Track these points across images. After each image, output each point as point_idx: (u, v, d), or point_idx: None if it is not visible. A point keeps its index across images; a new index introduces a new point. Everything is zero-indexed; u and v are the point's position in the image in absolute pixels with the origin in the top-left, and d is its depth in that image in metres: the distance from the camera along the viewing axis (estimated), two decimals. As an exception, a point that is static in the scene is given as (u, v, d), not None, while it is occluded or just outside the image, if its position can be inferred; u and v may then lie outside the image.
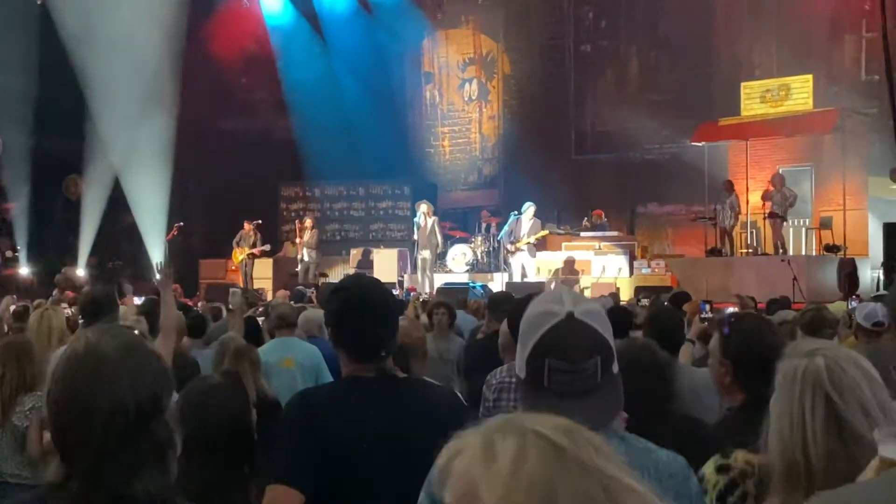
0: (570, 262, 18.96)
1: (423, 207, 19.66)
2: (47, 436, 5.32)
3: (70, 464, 2.01)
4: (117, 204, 23.43)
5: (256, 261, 21.48)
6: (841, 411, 2.10)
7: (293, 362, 6.75)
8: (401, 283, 20.38)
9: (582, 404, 2.07)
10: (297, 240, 21.89)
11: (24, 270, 21.10)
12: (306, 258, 21.13)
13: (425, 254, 19.46)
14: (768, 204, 18.94)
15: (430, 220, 19.50)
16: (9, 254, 21.50)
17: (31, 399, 5.29)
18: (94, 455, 1.98)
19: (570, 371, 2.10)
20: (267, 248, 21.44)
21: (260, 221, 21.30)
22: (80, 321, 5.83)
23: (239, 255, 21.35)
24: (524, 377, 2.17)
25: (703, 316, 5.89)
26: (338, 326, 3.05)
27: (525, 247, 18.96)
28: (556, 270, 19.12)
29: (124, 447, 1.98)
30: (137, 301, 12.62)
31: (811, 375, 2.15)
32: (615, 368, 2.18)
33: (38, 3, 21.79)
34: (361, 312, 2.99)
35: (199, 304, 16.04)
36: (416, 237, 19.84)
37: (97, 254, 23.25)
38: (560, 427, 1.25)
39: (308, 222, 21.74)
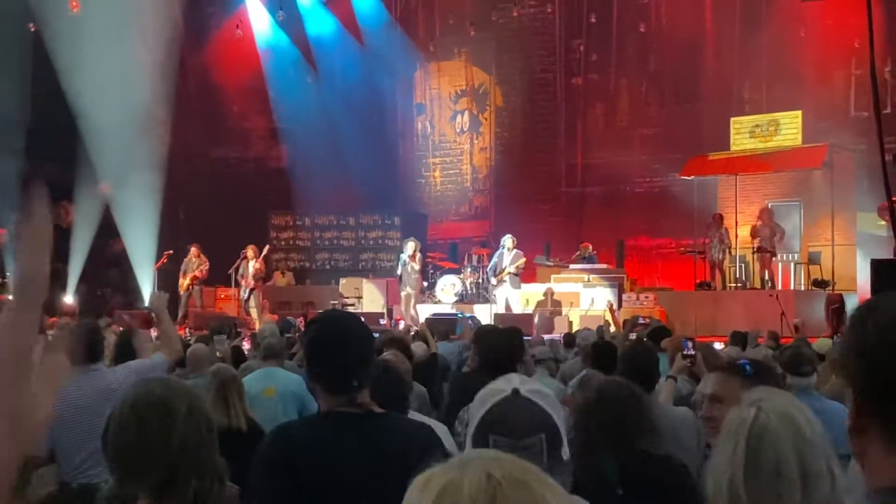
0: (550, 294, 19.05)
1: (411, 245, 19.72)
2: None
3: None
4: (107, 231, 23.41)
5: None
6: (746, 469, 2.09)
7: (274, 392, 6.76)
8: (390, 311, 20.38)
9: None
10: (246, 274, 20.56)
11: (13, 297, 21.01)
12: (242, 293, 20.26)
13: (409, 290, 19.55)
14: (757, 238, 19.04)
15: (417, 257, 19.63)
16: (-2, 280, 21.45)
17: None
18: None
19: (514, 447, 2.02)
20: (204, 273, 20.61)
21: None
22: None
23: (183, 282, 20.58)
24: None
25: (685, 353, 5.88)
26: (310, 358, 3.05)
27: (507, 278, 18.98)
28: (542, 302, 19.18)
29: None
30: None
31: (736, 427, 2.15)
32: (565, 455, 2.12)
33: (32, 29, 21.85)
34: (331, 343, 2.98)
35: (187, 332, 16.06)
36: (399, 272, 19.82)
37: (86, 281, 23.20)
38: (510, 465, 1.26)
39: (250, 252, 20.48)
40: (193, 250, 20.81)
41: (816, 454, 2.12)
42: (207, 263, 20.75)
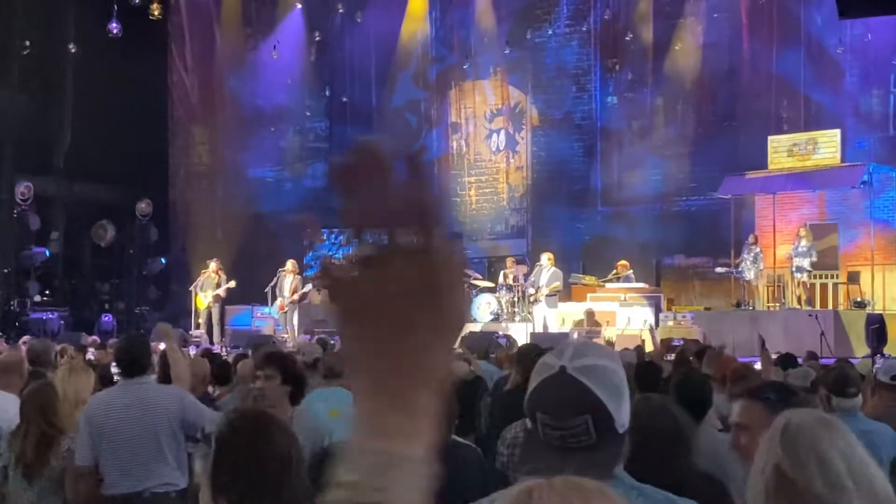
0: (590, 314, 18.97)
1: None
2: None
3: None
4: (146, 250, 23.62)
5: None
6: (787, 470, 2.10)
7: (339, 413, 6.71)
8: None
9: (575, 459, 1.99)
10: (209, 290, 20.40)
11: (52, 315, 21.23)
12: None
13: None
14: (794, 257, 18.92)
15: None
16: (37, 298, 21.67)
17: (67, 441, 5.41)
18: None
19: (558, 427, 2.02)
20: (231, 284, 20.31)
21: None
22: (116, 372, 5.86)
23: (203, 300, 20.23)
24: (529, 428, 2.11)
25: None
26: None
27: (543, 298, 18.99)
28: (580, 322, 19.11)
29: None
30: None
31: (775, 433, 2.16)
32: (619, 427, 2.08)
33: (72, 51, 22.13)
34: None
35: (224, 350, 16.13)
36: None
37: (125, 299, 23.40)
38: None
39: (290, 265, 20.48)
40: (213, 266, 20.41)
41: (860, 456, 2.12)
42: (225, 280, 20.34)
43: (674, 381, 5.23)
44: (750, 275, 19.33)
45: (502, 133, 26.09)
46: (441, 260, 0.96)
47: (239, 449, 2.49)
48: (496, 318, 20.31)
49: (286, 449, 2.52)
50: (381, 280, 0.94)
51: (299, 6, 25.49)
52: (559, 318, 19.39)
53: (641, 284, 20.37)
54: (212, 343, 19.06)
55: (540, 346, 8.12)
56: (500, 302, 20.58)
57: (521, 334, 18.51)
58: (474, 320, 20.46)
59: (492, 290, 21.05)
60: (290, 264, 20.47)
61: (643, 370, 6.31)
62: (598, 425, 2.03)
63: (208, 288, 20.23)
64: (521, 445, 2.11)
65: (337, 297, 0.96)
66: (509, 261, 21.59)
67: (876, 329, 17.19)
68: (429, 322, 0.95)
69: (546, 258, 19.37)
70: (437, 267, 0.95)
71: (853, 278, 19.28)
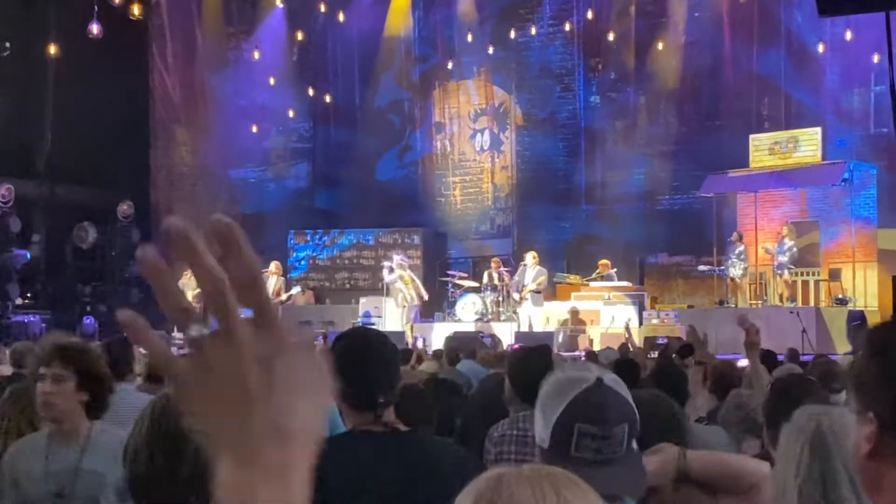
0: (574, 313, 19.01)
1: (399, 270, 20.02)
2: None
3: None
4: (128, 252, 23.52)
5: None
6: (835, 474, 2.10)
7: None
8: (411, 328, 20.38)
9: (608, 473, 2.03)
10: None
11: (34, 318, 21.13)
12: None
13: (405, 304, 19.87)
14: (776, 255, 19.01)
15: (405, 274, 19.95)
16: (19, 301, 21.56)
17: None
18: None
19: (601, 437, 2.06)
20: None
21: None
22: None
23: None
24: (547, 446, 2.12)
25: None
26: (337, 375, 3.00)
27: (529, 296, 19.01)
28: (565, 321, 19.13)
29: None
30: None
31: (816, 437, 2.16)
32: (635, 444, 2.15)
33: (53, 51, 22.03)
34: (359, 358, 2.96)
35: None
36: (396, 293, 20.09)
37: (107, 302, 23.31)
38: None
39: (273, 267, 20.35)
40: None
41: None
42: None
43: (651, 373, 5.25)
44: (737, 272, 19.39)
45: (486, 133, 26.10)
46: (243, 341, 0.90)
47: (153, 450, 2.34)
48: (481, 317, 20.31)
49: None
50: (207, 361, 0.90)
51: (281, 5, 25.44)
52: (544, 317, 19.41)
53: (625, 283, 20.42)
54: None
55: (527, 347, 8.11)
56: (484, 302, 20.56)
57: (505, 334, 18.52)
58: (458, 319, 20.48)
59: (476, 291, 21.04)
60: (273, 265, 20.43)
61: (621, 367, 6.31)
62: (629, 437, 2.10)
63: (189, 290, 20.17)
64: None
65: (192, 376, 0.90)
66: (494, 261, 21.55)
67: (857, 326, 17.26)
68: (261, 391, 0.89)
69: (531, 257, 19.40)
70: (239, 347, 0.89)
71: (834, 275, 19.37)
